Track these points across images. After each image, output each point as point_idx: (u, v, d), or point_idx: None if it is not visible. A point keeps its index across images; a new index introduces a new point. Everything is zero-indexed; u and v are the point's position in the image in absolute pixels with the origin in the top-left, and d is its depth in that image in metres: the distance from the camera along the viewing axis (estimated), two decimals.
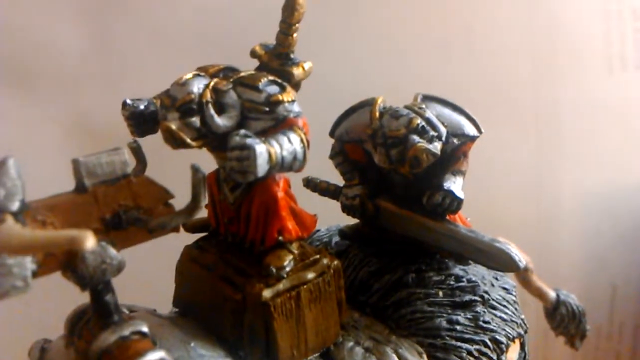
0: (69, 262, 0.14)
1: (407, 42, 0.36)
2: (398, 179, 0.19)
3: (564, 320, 0.27)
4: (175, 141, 0.16)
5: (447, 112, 0.19)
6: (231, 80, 0.16)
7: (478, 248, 0.19)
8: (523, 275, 0.26)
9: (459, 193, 0.19)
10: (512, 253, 0.18)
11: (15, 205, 0.14)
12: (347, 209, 0.20)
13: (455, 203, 0.19)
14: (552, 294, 0.26)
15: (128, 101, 0.17)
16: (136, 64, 0.35)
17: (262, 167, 0.15)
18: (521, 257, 0.18)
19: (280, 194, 0.17)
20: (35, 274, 0.14)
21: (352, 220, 0.22)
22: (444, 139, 0.18)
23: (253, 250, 0.18)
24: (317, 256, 0.18)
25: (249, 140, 0.15)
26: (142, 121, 0.17)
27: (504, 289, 0.21)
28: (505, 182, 0.37)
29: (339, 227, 0.22)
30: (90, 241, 0.13)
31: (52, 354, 0.17)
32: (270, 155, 0.15)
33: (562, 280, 0.43)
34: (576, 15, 0.41)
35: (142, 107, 0.17)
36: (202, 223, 0.19)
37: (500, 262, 0.18)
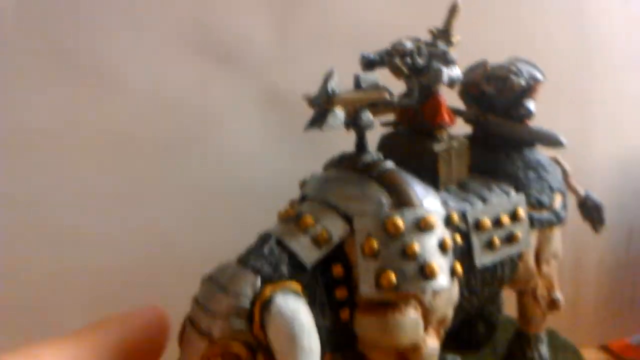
0: (355, 117, 0.31)
1: None
2: (498, 103, 0.35)
3: (590, 209, 0.42)
4: (398, 70, 0.32)
5: (525, 66, 0.35)
6: (422, 42, 0.33)
7: (541, 135, 0.35)
8: (565, 178, 0.41)
9: (533, 109, 0.35)
10: (559, 135, 0.34)
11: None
12: (468, 121, 0.37)
13: (531, 114, 0.35)
14: (583, 191, 0.41)
15: (364, 54, 0.34)
16: (311, 49, 0.47)
17: (445, 79, 0.31)
18: (564, 139, 0.34)
19: (444, 100, 0.33)
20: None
21: None
22: (527, 79, 0.34)
23: (424, 131, 0.34)
24: (457, 136, 0.34)
25: (442, 67, 0.31)
26: (370, 65, 0.34)
27: (555, 169, 0.37)
28: None
29: None
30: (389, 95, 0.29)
31: None
32: (448, 75, 0.31)
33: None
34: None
35: (371, 57, 0.34)
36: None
37: (553, 140, 0.34)
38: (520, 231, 0.33)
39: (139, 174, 0.46)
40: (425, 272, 0.28)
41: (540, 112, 0.36)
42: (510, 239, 0.32)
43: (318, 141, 0.41)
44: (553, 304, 0.37)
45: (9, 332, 0.45)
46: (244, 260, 0.28)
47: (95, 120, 0.45)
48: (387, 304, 0.29)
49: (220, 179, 0.48)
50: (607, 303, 0.58)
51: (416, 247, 0.28)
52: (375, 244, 0.28)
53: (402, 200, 0.29)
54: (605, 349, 0.62)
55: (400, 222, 0.28)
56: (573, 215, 0.48)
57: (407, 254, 0.28)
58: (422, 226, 0.28)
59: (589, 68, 0.53)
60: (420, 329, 0.30)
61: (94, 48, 0.44)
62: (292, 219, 0.29)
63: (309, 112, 0.32)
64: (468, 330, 0.43)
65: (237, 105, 0.47)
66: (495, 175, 0.34)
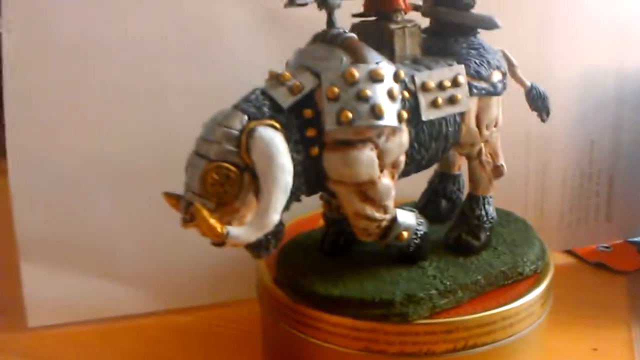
0: None
1: None
2: None
3: (535, 98, 0.48)
4: None
5: None
6: None
7: (480, 19, 0.42)
8: (511, 70, 0.48)
9: None
10: (495, 18, 0.41)
11: None
12: (424, 14, 0.44)
13: (472, 2, 0.42)
14: (528, 82, 0.48)
15: None
16: None
17: None
18: (499, 21, 0.41)
19: None
20: None
21: None
22: None
23: (384, 15, 0.41)
24: (411, 20, 0.42)
25: None
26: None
27: (496, 53, 0.44)
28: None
29: None
30: None
31: None
32: None
33: (552, 136, 0.63)
34: None
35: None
36: None
37: (490, 22, 0.41)
38: (460, 94, 0.40)
39: (154, 77, 0.54)
40: (375, 112, 0.36)
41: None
42: (451, 100, 0.40)
43: None
44: (497, 170, 0.45)
45: (51, 211, 0.53)
46: (236, 105, 0.36)
47: (117, 32, 0.53)
48: (348, 143, 0.37)
49: (223, 82, 0.55)
50: (572, 210, 0.65)
51: (368, 92, 0.36)
52: (336, 90, 0.36)
53: (359, 58, 0.37)
54: (570, 252, 0.69)
55: (356, 72, 0.36)
56: (540, 126, 0.54)
57: (361, 97, 0.36)
58: (374, 76, 0.36)
59: None
60: (375, 166, 0.38)
61: None
62: (274, 76, 0.38)
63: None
64: (433, 207, 0.51)
65: (240, 20, 0.55)
66: (444, 55, 0.42)
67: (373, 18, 0.41)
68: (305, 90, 0.36)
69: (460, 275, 0.42)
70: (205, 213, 0.33)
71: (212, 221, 0.33)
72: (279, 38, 0.57)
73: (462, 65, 0.41)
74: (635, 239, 0.69)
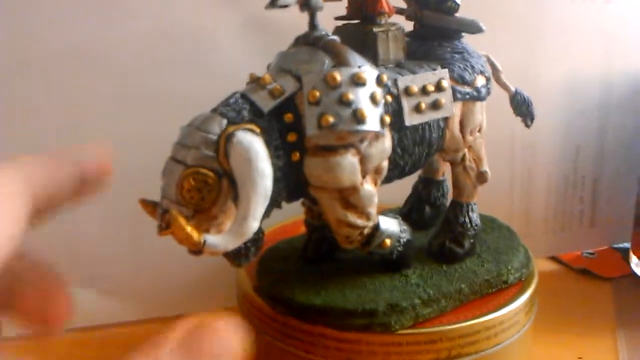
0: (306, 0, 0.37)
1: None
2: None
3: (520, 103, 0.48)
4: None
5: None
6: None
7: (464, 23, 0.41)
8: (496, 75, 0.48)
9: (459, 1, 0.41)
10: (479, 22, 0.41)
11: None
12: (408, 17, 0.43)
13: (457, 6, 0.42)
14: (512, 87, 0.48)
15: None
16: None
17: None
18: (484, 26, 0.41)
19: None
20: None
21: None
22: None
23: (368, 18, 0.40)
24: (395, 23, 0.41)
25: None
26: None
27: (480, 57, 0.43)
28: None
29: None
30: None
31: None
32: None
33: (537, 142, 0.63)
34: None
35: None
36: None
37: (474, 26, 0.41)
38: (444, 99, 0.39)
39: (143, 84, 0.53)
40: (357, 116, 0.35)
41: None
42: (435, 105, 0.39)
43: None
44: (481, 176, 0.44)
45: None
46: (214, 109, 0.35)
47: (105, 40, 0.52)
48: (330, 149, 0.36)
49: (212, 88, 0.54)
50: (556, 215, 0.64)
51: (350, 96, 0.35)
52: (317, 94, 0.35)
53: (341, 62, 0.36)
54: (554, 259, 0.68)
55: (338, 76, 0.35)
56: (524, 132, 0.54)
57: (343, 101, 0.35)
58: (356, 80, 0.35)
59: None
60: (357, 172, 0.37)
61: None
62: (254, 80, 0.37)
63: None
64: (417, 213, 0.50)
65: (225, 29, 0.54)
66: (427, 59, 0.41)
67: (356, 21, 0.41)
68: (285, 94, 0.35)
69: (444, 284, 0.41)
70: (182, 221, 0.32)
71: (189, 229, 0.32)
72: (270, 45, 0.56)
73: (446, 70, 0.40)
74: (620, 245, 0.69)
